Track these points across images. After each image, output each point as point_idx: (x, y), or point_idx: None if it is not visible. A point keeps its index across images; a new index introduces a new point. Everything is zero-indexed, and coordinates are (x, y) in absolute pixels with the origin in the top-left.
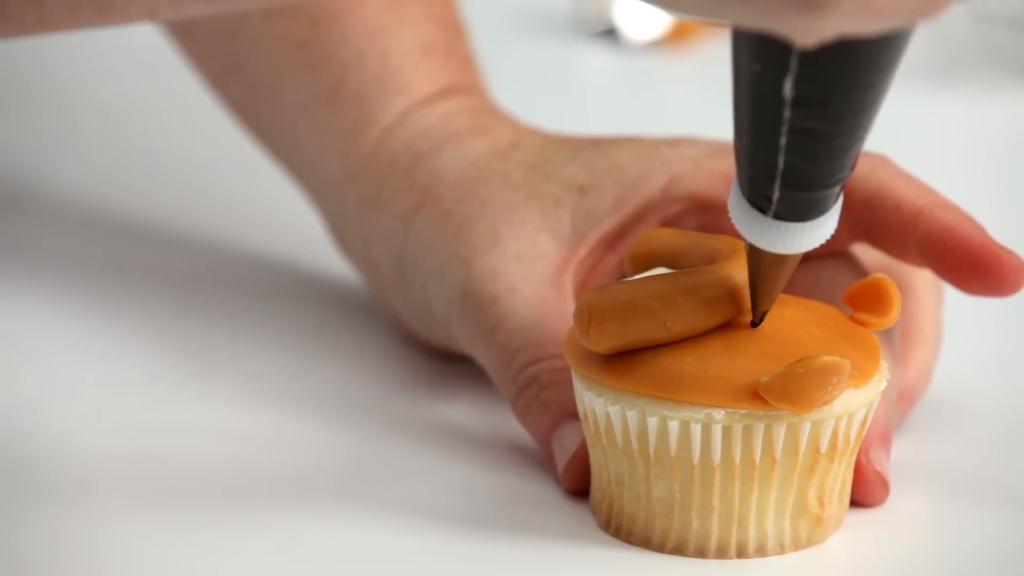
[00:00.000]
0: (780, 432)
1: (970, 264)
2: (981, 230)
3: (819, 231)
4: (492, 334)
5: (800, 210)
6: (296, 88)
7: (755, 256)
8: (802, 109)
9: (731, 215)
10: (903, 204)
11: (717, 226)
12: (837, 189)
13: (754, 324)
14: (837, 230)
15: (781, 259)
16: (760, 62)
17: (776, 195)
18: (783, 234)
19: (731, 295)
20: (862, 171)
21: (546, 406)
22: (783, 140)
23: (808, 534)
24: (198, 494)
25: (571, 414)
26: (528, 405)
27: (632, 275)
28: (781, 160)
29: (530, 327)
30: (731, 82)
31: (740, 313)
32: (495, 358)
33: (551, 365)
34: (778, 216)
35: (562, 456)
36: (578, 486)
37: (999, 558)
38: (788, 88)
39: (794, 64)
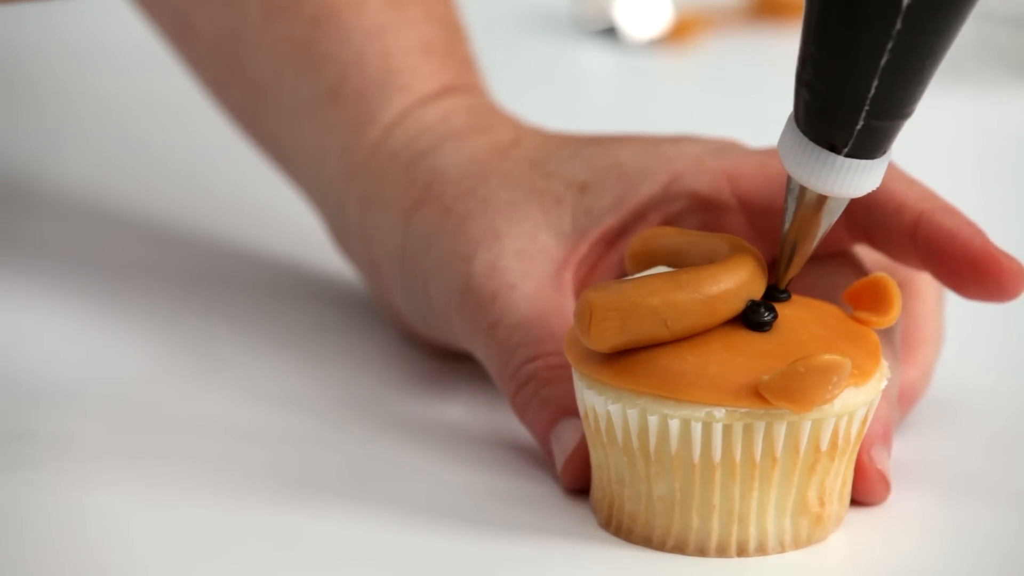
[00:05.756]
0: (781, 431)
1: (970, 269)
2: (981, 235)
3: (881, 170)
4: (491, 330)
5: (876, 143)
6: (297, 88)
7: (807, 208)
8: (913, 20)
9: (789, 164)
10: (904, 208)
11: (718, 225)
12: (907, 121)
13: (779, 289)
14: (838, 231)
15: (835, 206)
16: None
17: (859, 126)
18: (852, 174)
19: (732, 294)
20: None
21: (545, 403)
22: (884, 60)
23: (809, 533)
24: (198, 493)
25: (570, 411)
26: (527, 402)
27: (633, 273)
28: (875, 84)
29: (529, 324)
30: (804, 23)
31: (741, 310)
32: (494, 354)
33: (549, 362)
34: (852, 154)
35: (561, 453)
36: (577, 483)
37: (999, 558)
38: None
39: None
